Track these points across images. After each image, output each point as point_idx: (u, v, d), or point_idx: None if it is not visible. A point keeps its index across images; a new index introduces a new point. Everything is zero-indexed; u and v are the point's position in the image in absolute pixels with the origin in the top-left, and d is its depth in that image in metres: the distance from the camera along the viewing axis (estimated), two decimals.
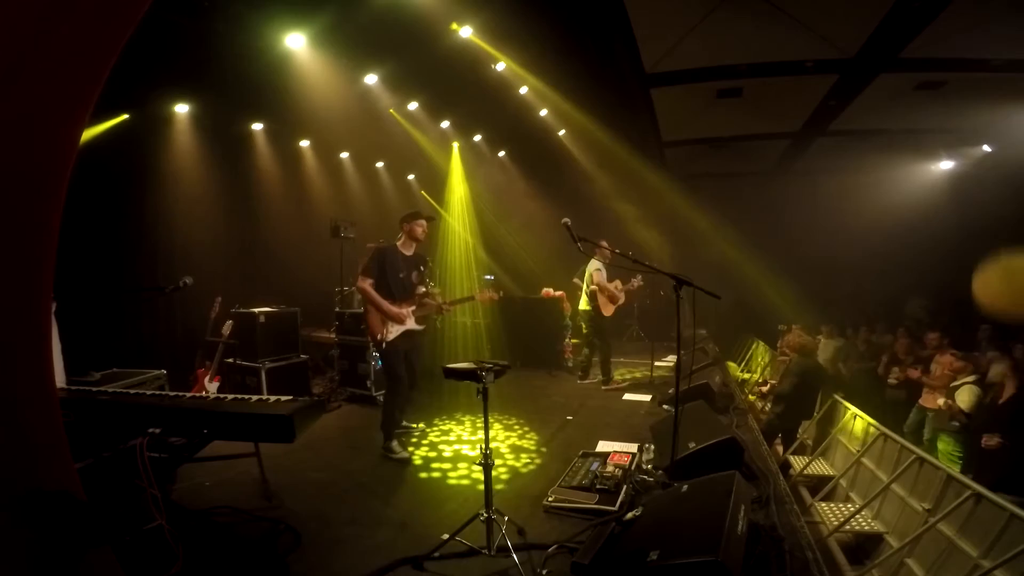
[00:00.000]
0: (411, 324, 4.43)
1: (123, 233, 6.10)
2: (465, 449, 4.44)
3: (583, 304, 6.72)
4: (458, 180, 10.51)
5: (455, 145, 10.07)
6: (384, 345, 4.29)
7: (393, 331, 4.33)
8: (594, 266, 6.46)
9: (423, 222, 4.48)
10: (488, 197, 11.09)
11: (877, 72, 7.02)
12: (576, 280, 7.93)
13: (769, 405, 6.63)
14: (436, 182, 10.58)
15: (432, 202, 11.15)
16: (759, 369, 9.39)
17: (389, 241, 4.73)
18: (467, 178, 10.64)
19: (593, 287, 6.47)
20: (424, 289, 4.57)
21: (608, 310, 6.61)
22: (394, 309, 4.31)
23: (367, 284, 4.26)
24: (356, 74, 6.49)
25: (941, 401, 5.33)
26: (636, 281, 6.90)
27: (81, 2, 1.66)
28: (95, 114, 1.81)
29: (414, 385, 4.63)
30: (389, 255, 4.38)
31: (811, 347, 6.55)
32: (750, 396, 7.75)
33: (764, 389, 7.22)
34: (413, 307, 4.45)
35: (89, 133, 5.60)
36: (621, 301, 6.83)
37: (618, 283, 6.70)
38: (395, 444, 4.24)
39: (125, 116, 6.01)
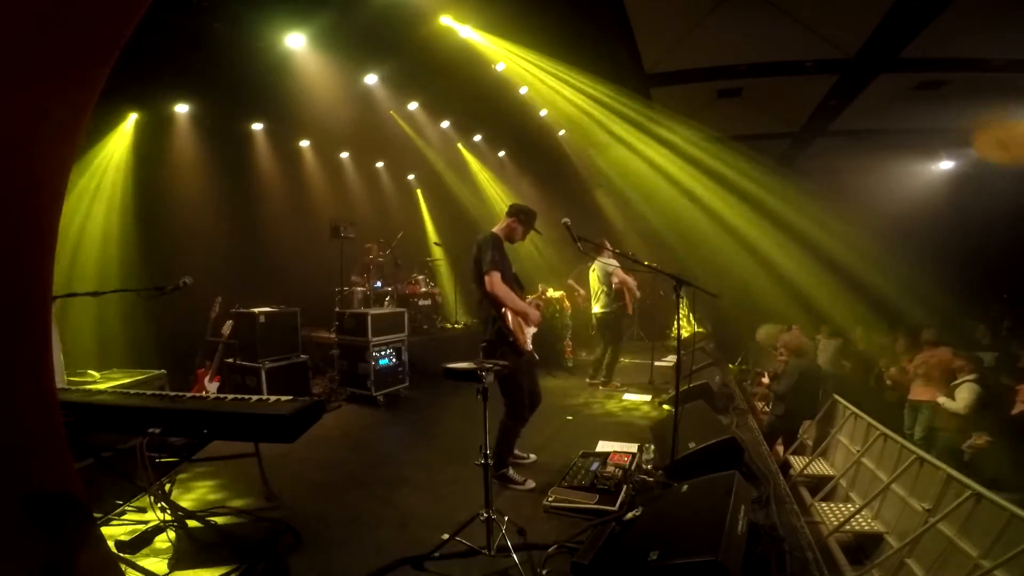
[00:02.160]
0: (536, 327, 3.79)
1: (123, 233, 6.11)
2: None
3: (601, 307, 6.43)
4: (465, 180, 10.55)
5: (459, 145, 10.09)
6: (523, 355, 3.58)
7: (529, 336, 3.68)
8: (611, 264, 6.26)
9: (531, 231, 3.83)
10: (488, 196, 11.11)
11: (877, 72, 7.02)
12: (570, 282, 7.93)
13: (769, 406, 6.63)
14: (436, 181, 10.59)
15: (422, 202, 11.17)
16: (751, 368, 9.41)
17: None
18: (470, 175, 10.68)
19: (617, 285, 6.36)
20: None
21: (630, 308, 6.61)
22: (534, 310, 3.66)
23: (499, 278, 3.46)
24: (356, 74, 6.49)
25: (942, 399, 5.33)
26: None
27: (80, 3, 1.66)
28: (95, 115, 1.81)
29: (538, 403, 3.91)
30: (500, 244, 3.64)
31: (805, 347, 6.53)
32: (756, 386, 7.74)
33: (765, 381, 7.19)
34: (536, 305, 3.79)
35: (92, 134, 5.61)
36: (638, 296, 6.85)
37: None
38: (512, 472, 3.66)
39: (135, 116, 6.04)
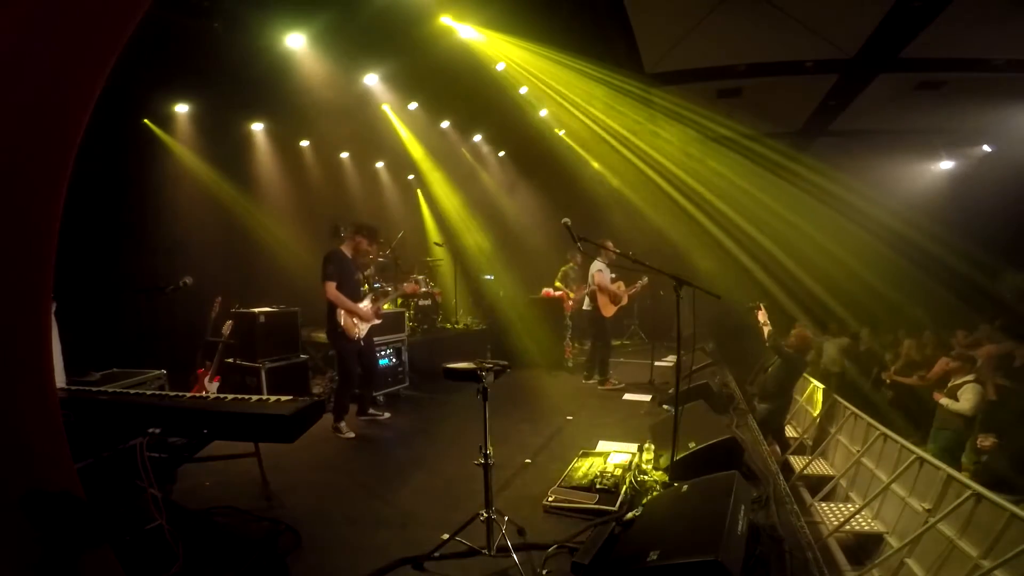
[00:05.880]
0: (370, 322, 4.89)
1: (123, 233, 6.11)
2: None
3: (585, 304, 6.84)
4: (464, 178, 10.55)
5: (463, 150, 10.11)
6: (352, 341, 4.73)
7: (364, 328, 4.83)
8: (596, 267, 6.48)
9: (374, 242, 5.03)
10: (489, 196, 11.11)
11: (877, 72, 7.03)
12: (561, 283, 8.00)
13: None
14: (435, 181, 10.58)
15: (423, 202, 11.17)
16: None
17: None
18: (470, 176, 10.68)
19: (593, 287, 6.48)
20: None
21: (609, 310, 6.59)
22: (364, 310, 4.81)
23: (333, 287, 4.56)
24: (356, 74, 6.49)
25: (945, 400, 5.32)
26: (641, 282, 6.86)
27: (81, 2, 1.66)
28: (95, 114, 1.81)
29: (372, 378, 5.19)
30: (339, 258, 4.66)
31: (808, 347, 6.49)
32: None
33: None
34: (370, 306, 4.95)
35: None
36: (624, 302, 6.81)
37: (621, 284, 6.69)
38: (344, 426, 4.69)
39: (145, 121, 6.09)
